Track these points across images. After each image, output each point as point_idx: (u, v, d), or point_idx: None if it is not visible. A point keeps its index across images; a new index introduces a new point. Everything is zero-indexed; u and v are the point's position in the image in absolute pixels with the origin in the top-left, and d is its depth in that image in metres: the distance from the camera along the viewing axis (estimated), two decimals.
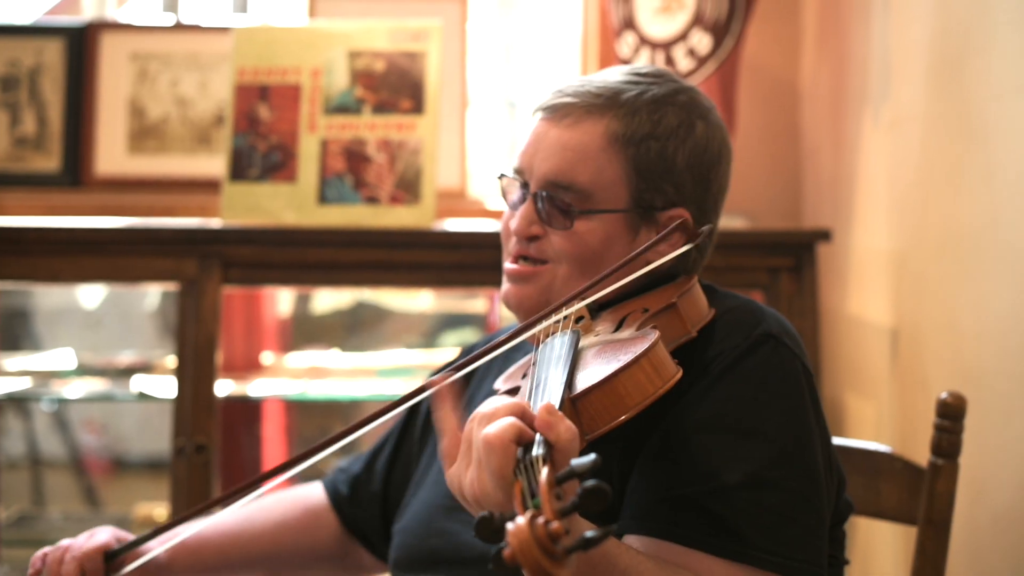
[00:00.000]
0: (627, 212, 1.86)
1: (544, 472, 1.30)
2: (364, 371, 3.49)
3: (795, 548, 1.67)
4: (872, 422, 3.03)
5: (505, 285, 1.95)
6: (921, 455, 2.34)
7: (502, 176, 1.98)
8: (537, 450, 1.36)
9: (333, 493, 2.23)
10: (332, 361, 3.62)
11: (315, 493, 2.24)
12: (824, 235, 2.94)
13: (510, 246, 1.95)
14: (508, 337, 1.71)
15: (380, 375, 3.44)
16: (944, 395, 2.13)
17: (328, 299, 4.01)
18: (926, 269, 2.75)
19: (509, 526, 1.21)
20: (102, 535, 1.96)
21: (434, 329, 4.09)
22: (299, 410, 3.93)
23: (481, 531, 1.27)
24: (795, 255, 2.93)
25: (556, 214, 1.88)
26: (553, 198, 1.88)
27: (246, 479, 3.57)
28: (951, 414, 2.13)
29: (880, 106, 3.01)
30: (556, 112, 1.90)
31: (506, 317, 3.68)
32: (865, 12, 3.11)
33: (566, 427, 1.41)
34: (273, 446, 3.75)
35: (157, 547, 1.97)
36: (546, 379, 1.57)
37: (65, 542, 1.95)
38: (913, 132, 2.81)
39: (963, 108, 2.57)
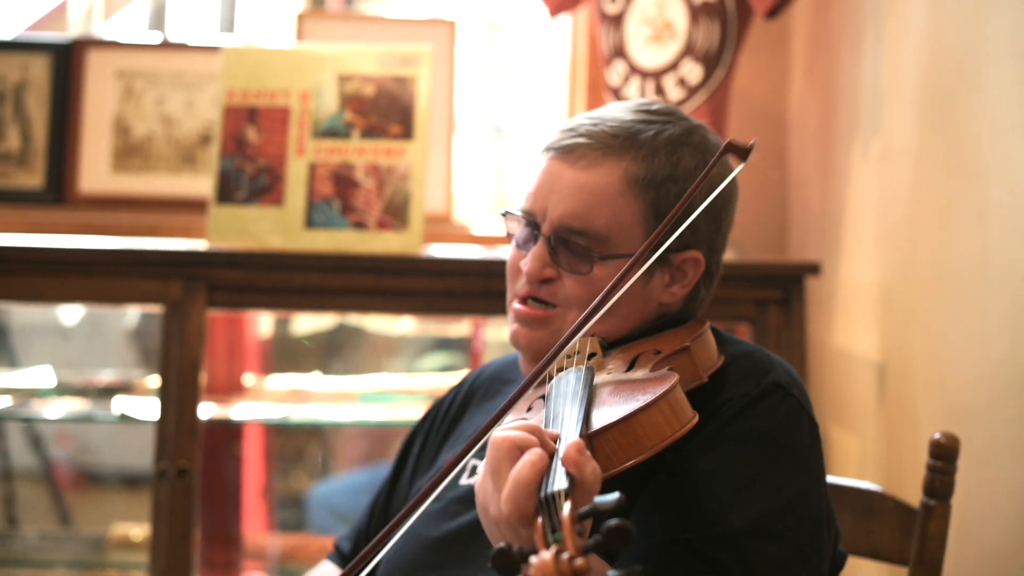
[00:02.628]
0: (644, 257, 1.84)
1: (566, 507, 1.29)
2: (346, 395, 3.47)
3: None
4: (857, 458, 3.02)
5: (513, 325, 1.92)
6: (907, 492, 2.34)
7: (507, 214, 1.95)
8: (560, 484, 1.35)
9: (339, 559, 2.19)
10: (314, 384, 3.59)
11: (327, 569, 2.20)
12: (813, 268, 2.93)
13: (517, 286, 1.92)
14: (530, 380, 1.68)
15: (362, 399, 3.41)
16: (937, 435, 2.12)
17: (309, 321, 3.99)
18: (915, 304, 2.74)
19: (533, 559, 1.21)
20: None
21: (416, 352, 4.07)
22: (278, 433, 3.90)
23: (498, 563, 1.26)
24: (783, 288, 2.92)
25: (571, 258, 1.85)
26: (568, 241, 1.85)
27: (228, 503, 3.57)
28: (944, 455, 2.12)
29: (870, 139, 3.00)
30: (570, 153, 1.87)
31: (490, 343, 3.66)
32: (856, 44, 3.11)
33: (592, 468, 1.40)
34: (253, 469, 3.73)
35: None
36: (562, 414, 1.56)
37: None
38: (904, 166, 2.80)
39: (956, 143, 2.57)
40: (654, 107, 1.93)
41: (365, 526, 2.19)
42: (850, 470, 2.98)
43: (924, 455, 2.16)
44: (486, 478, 1.49)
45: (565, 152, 1.87)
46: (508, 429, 1.48)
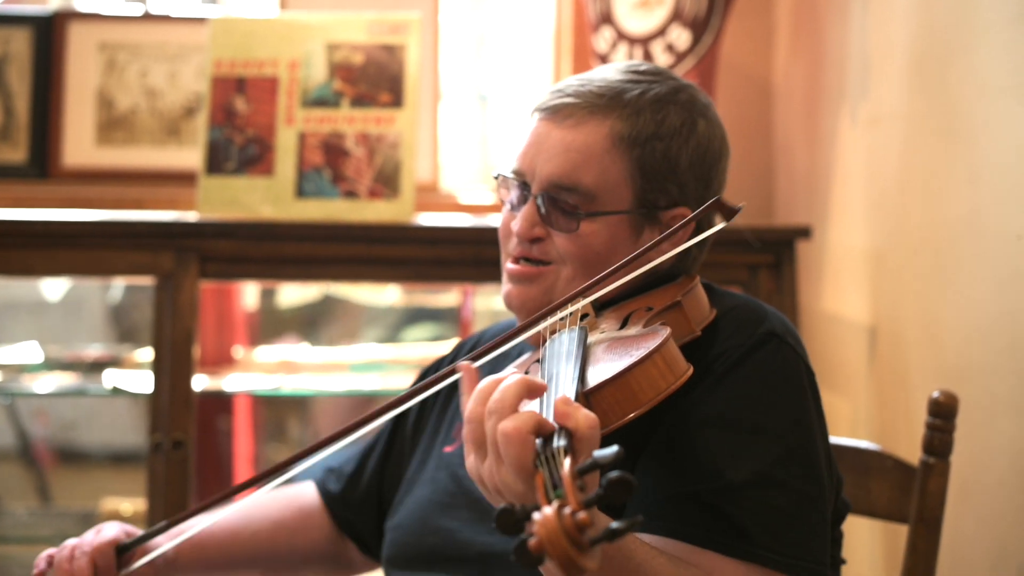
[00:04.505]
0: (631, 213, 1.86)
1: (566, 463, 1.30)
2: (336, 365, 3.47)
3: (801, 548, 1.68)
4: (848, 419, 3.04)
5: (506, 286, 1.94)
6: (900, 453, 2.36)
7: (499, 176, 1.96)
8: (558, 441, 1.36)
9: (325, 493, 2.21)
10: (302, 355, 3.59)
11: (308, 492, 2.22)
12: (804, 232, 2.95)
13: (510, 247, 1.93)
14: (515, 331, 1.70)
15: (353, 370, 3.41)
16: (936, 394, 2.14)
17: (295, 292, 3.98)
18: (905, 267, 2.76)
19: (536, 516, 1.21)
20: (110, 530, 1.94)
21: (401, 323, 4.07)
22: (266, 404, 3.90)
23: (502, 523, 1.26)
24: (774, 252, 2.94)
25: (560, 216, 1.87)
26: (556, 200, 1.86)
27: (219, 474, 3.57)
28: (943, 413, 2.14)
29: (858, 103, 3.01)
30: (557, 113, 1.88)
31: (480, 312, 3.66)
32: (842, 8, 3.12)
33: (584, 415, 1.40)
34: (243, 440, 3.72)
35: (167, 542, 1.95)
36: (557, 374, 1.56)
37: (71, 541, 1.93)
38: (893, 130, 2.82)
39: (946, 107, 2.58)
40: (642, 68, 1.95)
41: (354, 468, 2.20)
42: (842, 432, 2.99)
43: (917, 416, 2.18)
44: (468, 451, 1.49)
45: (553, 112, 1.89)
46: (499, 397, 1.46)
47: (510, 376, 1.48)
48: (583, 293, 1.73)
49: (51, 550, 1.95)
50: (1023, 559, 2.24)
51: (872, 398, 2.91)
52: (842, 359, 3.10)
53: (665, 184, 1.88)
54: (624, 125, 1.87)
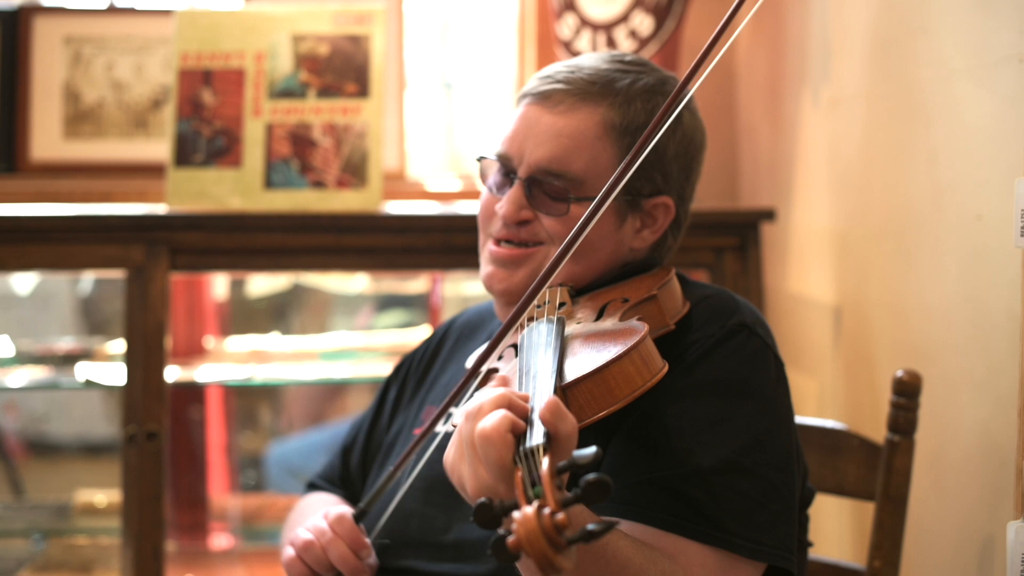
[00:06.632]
0: (616, 200, 1.88)
1: (545, 462, 1.32)
2: (307, 354, 3.49)
3: (766, 533, 1.72)
4: (815, 399, 3.07)
5: (488, 267, 1.95)
6: (867, 431, 2.40)
7: (482, 158, 1.99)
8: (538, 439, 1.38)
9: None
10: (273, 344, 3.61)
11: (325, 499, 2.21)
12: (768, 215, 2.98)
13: (492, 229, 1.95)
14: (505, 328, 1.69)
15: (323, 358, 3.43)
16: (900, 373, 2.18)
17: (264, 282, 4.00)
18: (869, 248, 2.79)
19: (516, 515, 1.24)
20: (335, 510, 1.84)
21: (372, 310, 4.09)
22: (238, 394, 3.91)
23: (480, 517, 1.29)
24: (739, 234, 2.97)
25: (548, 200, 1.89)
26: (543, 184, 1.89)
27: (193, 464, 3.58)
28: (907, 391, 2.18)
29: (820, 86, 3.05)
30: (548, 99, 1.91)
31: (449, 298, 3.69)
32: None
33: (566, 424, 1.43)
34: (216, 430, 3.74)
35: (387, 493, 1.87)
36: (536, 366, 1.59)
37: (304, 536, 1.82)
38: (855, 112, 2.85)
39: (907, 89, 2.61)
40: (627, 58, 1.98)
41: (340, 472, 2.22)
42: (809, 411, 3.03)
43: (882, 395, 2.22)
44: (459, 449, 1.51)
45: (543, 98, 1.91)
46: (476, 402, 1.49)
47: (492, 390, 1.50)
48: (553, 269, 1.72)
49: (294, 556, 1.82)
50: (987, 533, 2.28)
51: (838, 378, 2.95)
52: (808, 340, 3.14)
53: (651, 173, 1.91)
54: (616, 113, 1.90)
